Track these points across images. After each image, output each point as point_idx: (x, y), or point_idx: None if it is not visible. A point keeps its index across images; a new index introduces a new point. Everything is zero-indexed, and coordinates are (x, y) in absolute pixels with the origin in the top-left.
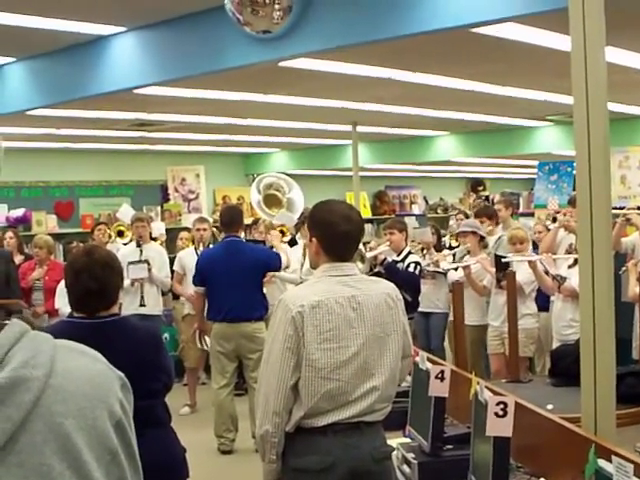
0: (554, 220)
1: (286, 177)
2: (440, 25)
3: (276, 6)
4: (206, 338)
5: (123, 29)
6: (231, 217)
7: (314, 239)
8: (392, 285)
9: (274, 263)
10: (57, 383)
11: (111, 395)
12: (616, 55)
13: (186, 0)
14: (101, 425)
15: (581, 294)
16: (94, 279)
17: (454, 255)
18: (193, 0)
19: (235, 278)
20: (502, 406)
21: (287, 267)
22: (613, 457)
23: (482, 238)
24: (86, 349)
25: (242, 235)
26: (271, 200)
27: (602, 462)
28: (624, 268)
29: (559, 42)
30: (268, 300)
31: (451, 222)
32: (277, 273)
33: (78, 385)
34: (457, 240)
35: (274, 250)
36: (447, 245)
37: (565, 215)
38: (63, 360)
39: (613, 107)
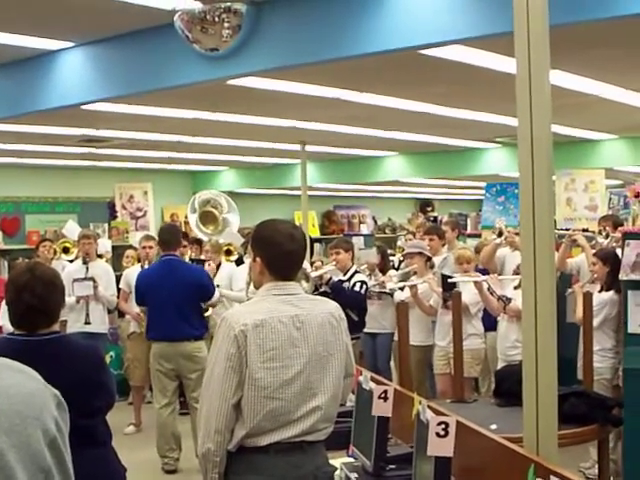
0: (499, 234)
1: (226, 196)
2: (388, 46)
3: (225, 24)
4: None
5: (71, 44)
6: (170, 235)
7: (258, 258)
8: (336, 304)
9: (206, 291)
10: None
11: (46, 413)
12: (562, 78)
13: (135, 17)
14: (35, 443)
15: (524, 315)
16: (36, 296)
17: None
18: (142, 17)
19: (172, 297)
20: (443, 426)
21: (213, 306)
22: (552, 477)
23: (429, 259)
24: (21, 367)
25: (189, 253)
26: (207, 218)
27: None
28: (570, 290)
29: (506, 65)
30: (214, 319)
31: (399, 242)
32: (223, 291)
33: (11, 403)
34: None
35: (210, 279)
36: (396, 265)
37: (509, 232)
38: None
39: (561, 130)
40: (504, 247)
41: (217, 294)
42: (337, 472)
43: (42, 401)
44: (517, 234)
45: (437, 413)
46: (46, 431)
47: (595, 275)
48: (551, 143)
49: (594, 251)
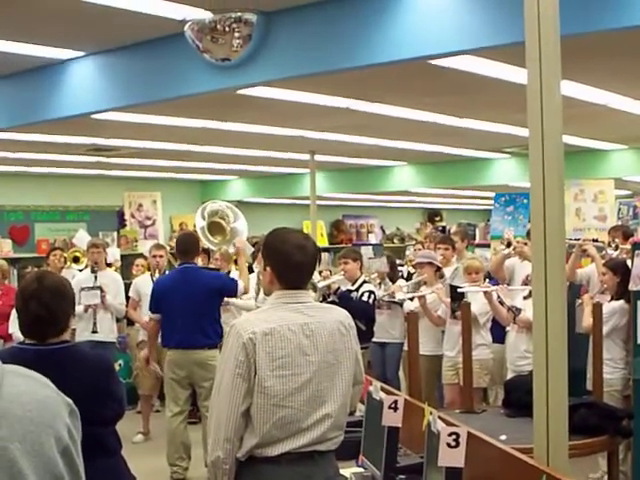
0: (508, 245)
1: (232, 206)
2: (398, 56)
3: (236, 34)
4: (155, 365)
5: (82, 54)
6: (187, 244)
7: (268, 268)
8: (345, 312)
9: (229, 288)
10: (3, 407)
11: (58, 421)
12: (570, 88)
13: (145, 27)
14: (48, 451)
15: (534, 325)
16: (43, 306)
17: (408, 279)
18: (152, 27)
19: (189, 305)
20: (454, 436)
21: (245, 293)
22: None
23: (438, 269)
24: (35, 375)
25: (200, 262)
26: (215, 228)
27: None
28: (579, 301)
29: (516, 75)
30: (223, 327)
31: (408, 252)
32: (232, 300)
33: (25, 410)
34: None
35: (231, 276)
36: (404, 275)
37: (518, 242)
38: (10, 385)
39: (570, 140)
40: (514, 257)
41: (242, 284)
42: None
43: (55, 409)
44: (526, 244)
45: (447, 423)
46: (59, 439)
47: (605, 285)
48: (562, 153)
49: (604, 261)
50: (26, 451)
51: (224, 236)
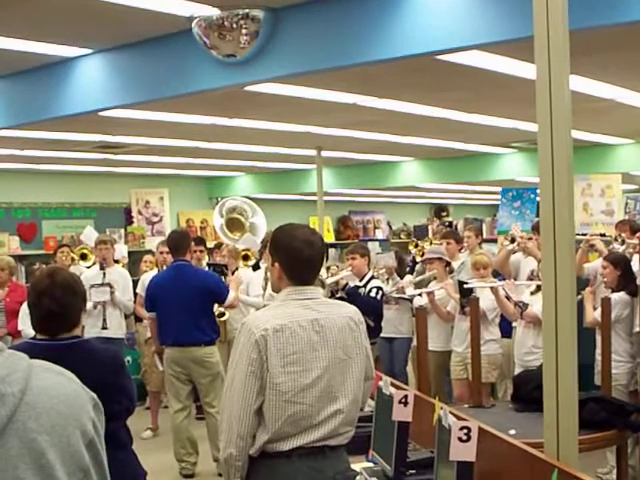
0: (512, 241)
1: (250, 202)
2: (406, 52)
3: (243, 30)
4: (158, 361)
5: (89, 51)
6: (177, 242)
7: (276, 264)
8: (355, 308)
9: (220, 293)
10: (32, 400)
11: (84, 414)
12: (577, 83)
13: (153, 23)
14: (74, 443)
15: (544, 320)
16: (55, 301)
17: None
18: (160, 23)
19: (183, 302)
20: (465, 431)
21: (233, 307)
22: None
23: (448, 264)
24: (60, 369)
25: (206, 258)
26: (234, 224)
27: None
28: (579, 296)
29: (524, 70)
30: (231, 324)
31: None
32: (240, 297)
33: (52, 403)
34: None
35: (224, 282)
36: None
37: (522, 238)
38: (38, 378)
39: (577, 135)
40: (518, 252)
41: (232, 295)
42: (358, 477)
43: (80, 402)
44: (530, 239)
45: (458, 418)
46: (84, 432)
47: (605, 279)
48: (571, 148)
49: (604, 255)
50: (54, 443)
51: (243, 232)
